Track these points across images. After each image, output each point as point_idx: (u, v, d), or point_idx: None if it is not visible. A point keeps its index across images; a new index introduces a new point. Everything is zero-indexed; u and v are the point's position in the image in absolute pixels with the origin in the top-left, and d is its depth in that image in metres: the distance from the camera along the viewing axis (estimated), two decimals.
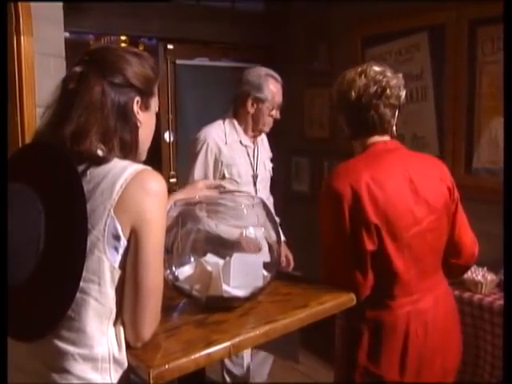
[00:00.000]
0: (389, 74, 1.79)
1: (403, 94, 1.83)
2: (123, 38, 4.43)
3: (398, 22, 3.55)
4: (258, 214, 1.66)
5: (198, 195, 1.83)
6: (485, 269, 2.91)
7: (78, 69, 1.31)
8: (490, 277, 2.85)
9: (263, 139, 3.03)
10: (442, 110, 3.37)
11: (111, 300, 1.23)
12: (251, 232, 1.65)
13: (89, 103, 1.27)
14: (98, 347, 1.22)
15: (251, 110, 2.79)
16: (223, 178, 2.76)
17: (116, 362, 1.25)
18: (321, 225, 1.81)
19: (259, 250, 1.65)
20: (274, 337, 1.49)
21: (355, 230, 1.69)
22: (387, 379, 1.77)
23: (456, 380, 2.85)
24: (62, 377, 1.21)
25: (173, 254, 1.58)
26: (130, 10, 3.70)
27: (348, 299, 1.67)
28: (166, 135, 4.13)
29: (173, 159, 4.19)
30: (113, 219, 1.19)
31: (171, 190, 4.07)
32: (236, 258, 1.56)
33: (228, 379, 3.04)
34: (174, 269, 1.61)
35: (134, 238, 1.21)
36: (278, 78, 2.84)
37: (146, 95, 1.38)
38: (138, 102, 1.35)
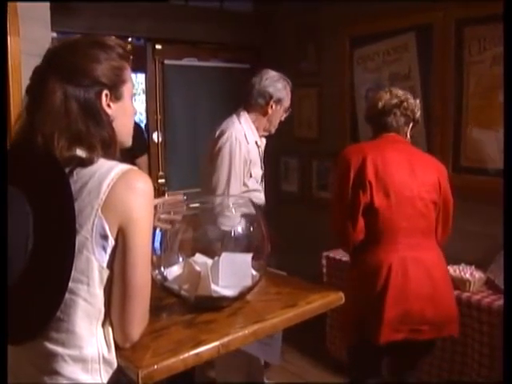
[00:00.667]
0: (409, 96, 2.37)
1: (418, 113, 2.38)
2: None
3: (385, 22, 3.56)
4: (246, 213, 1.66)
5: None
6: (473, 267, 2.94)
7: (36, 75, 1.27)
8: (478, 275, 2.87)
9: (263, 139, 3.08)
10: (430, 109, 3.38)
11: (100, 300, 1.23)
12: (239, 232, 1.65)
13: (51, 110, 1.23)
14: (88, 348, 1.22)
15: (269, 111, 2.88)
16: (250, 176, 2.82)
17: (106, 362, 1.25)
18: (332, 185, 2.38)
19: (248, 249, 1.65)
20: (262, 336, 1.50)
21: (355, 187, 2.17)
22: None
23: (444, 379, 2.88)
24: (53, 379, 1.21)
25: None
26: (118, 9, 3.68)
27: (336, 298, 1.68)
28: (155, 135, 4.12)
29: (161, 159, 4.18)
30: (100, 219, 1.19)
31: (159, 190, 4.06)
32: (224, 257, 1.56)
33: None
34: (162, 269, 1.61)
35: (122, 237, 1.21)
36: (290, 83, 2.97)
37: (115, 86, 1.33)
38: (106, 96, 1.31)
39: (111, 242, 1.21)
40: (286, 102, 2.92)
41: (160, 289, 1.58)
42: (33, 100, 1.27)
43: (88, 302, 1.21)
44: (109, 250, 1.21)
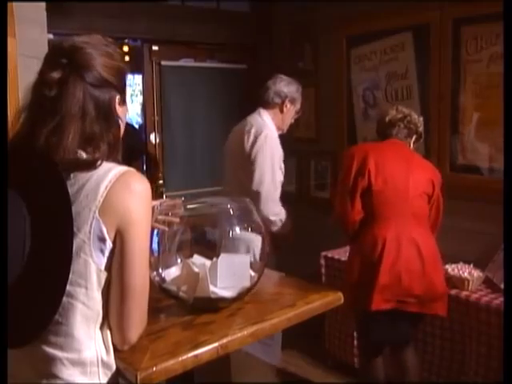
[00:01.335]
0: (413, 113, 2.69)
1: (421, 128, 2.69)
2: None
3: (382, 21, 3.56)
4: (244, 215, 1.66)
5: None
6: (471, 266, 2.93)
7: (55, 74, 1.23)
8: (477, 273, 2.87)
9: None
10: (427, 108, 3.38)
11: (98, 303, 1.22)
12: (238, 233, 1.65)
13: (68, 111, 1.21)
14: (86, 351, 1.21)
15: (284, 110, 3.10)
16: (280, 170, 3.06)
17: (104, 365, 1.24)
18: (339, 175, 2.67)
19: (246, 250, 1.65)
20: (262, 337, 1.49)
21: (356, 175, 2.48)
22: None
23: (443, 378, 2.89)
24: (51, 382, 1.20)
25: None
26: (114, 10, 3.67)
27: (335, 298, 1.68)
28: (152, 137, 4.12)
29: (159, 160, 4.18)
30: (98, 221, 1.18)
31: (157, 191, 4.06)
32: (223, 258, 1.55)
33: None
34: (160, 270, 1.60)
35: (120, 239, 1.20)
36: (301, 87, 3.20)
37: (123, 90, 1.34)
38: (118, 100, 1.32)
39: (109, 244, 1.20)
40: (298, 104, 3.16)
41: (158, 290, 1.57)
42: (46, 100, 1.23)
43: (86, 305, 1.20)
44: (107, 253, 1.21)
